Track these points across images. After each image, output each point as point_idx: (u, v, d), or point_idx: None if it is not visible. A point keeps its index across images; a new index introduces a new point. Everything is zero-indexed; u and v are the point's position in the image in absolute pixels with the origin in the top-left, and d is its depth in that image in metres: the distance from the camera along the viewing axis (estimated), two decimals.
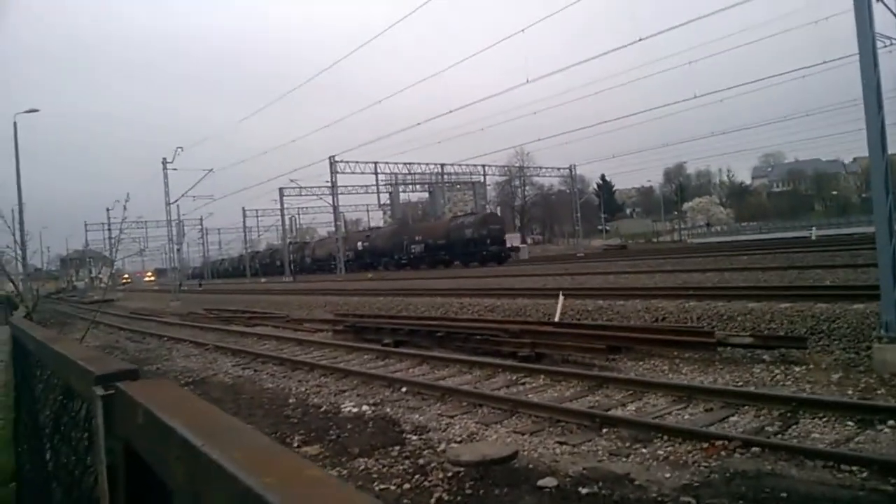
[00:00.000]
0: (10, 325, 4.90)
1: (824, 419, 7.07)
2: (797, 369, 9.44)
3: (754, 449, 6.26)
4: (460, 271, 40.96)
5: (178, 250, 58.41)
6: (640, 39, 28.12)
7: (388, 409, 9.23)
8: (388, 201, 66.22)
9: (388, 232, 58.75)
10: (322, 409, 9.64)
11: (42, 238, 39.90)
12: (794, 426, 7.00)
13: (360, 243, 60.61)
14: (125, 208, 7.29)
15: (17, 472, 4.23)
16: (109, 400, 1.02)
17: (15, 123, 30.96)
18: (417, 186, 66.50)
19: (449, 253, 50.14)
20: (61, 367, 1.64)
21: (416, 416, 8.77)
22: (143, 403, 0.81)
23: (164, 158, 42.32)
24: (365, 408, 9.41)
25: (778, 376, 9.26)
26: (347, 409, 9.48)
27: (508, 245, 53.19)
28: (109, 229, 69.69)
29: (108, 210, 62.38)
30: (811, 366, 9.59)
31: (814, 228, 57.92)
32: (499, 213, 74.43)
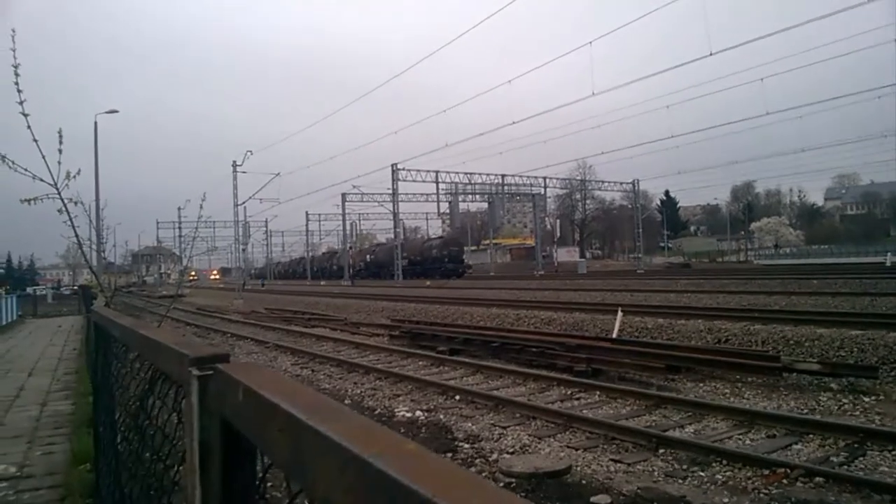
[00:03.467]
0: (91, 313, 5.17)
1: (894, 452, 6.77)
2: (866, 399, 9.05)
3: (818, 479, 6.04)
4: (518, 283, 40.75)
5: (244, 250, 60.10)
6: (711, 54, 27.45)
7: (442, 416, 9.29)
8: (448, 210, 66.42)
9: (386, 248, 65.96)
10: (376, 412, 9.77)
11: (116, 233, 41.88)
12: (861, 458, 6.72)
13: (368, 256, 69.31)
14: (201, 206, 7.56)
15: (96, 453, 4.46)
16: (205, 380, 1.09)
17: (95, 123, 32.46)
18: (477, 196, 66.44)
19: (421, 268, 57.93)
20: (150, 352, 1.75)
21: (469, 424, 8.80)
22: (242, 381, 0.88)
23: (234, 161, 43.68)
24: (418, 413, 9.49)
25: (846, 405, 8.89)
26: (401, 413, 9.58)
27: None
28: (180, 227, 72.42)
29: (179, 209, 64.88)
30: (881, 396, 9.19)
31: (889, 254, 55.27)
32: (558, 228, 73.99)
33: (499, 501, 0.45)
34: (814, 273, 34.20)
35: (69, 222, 6.00)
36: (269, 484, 1.01)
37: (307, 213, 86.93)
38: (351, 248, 70.16)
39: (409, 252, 60.55)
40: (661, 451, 7.21)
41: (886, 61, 32.38)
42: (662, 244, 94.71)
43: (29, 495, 5.59)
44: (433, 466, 0.53)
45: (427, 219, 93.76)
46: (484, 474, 6.70)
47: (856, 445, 7.03)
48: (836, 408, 8.85)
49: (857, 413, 8.57)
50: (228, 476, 0.96)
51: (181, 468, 1.34)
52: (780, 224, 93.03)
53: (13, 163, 5.57)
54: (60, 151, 5.65)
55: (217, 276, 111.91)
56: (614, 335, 14.12)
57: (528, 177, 64.12)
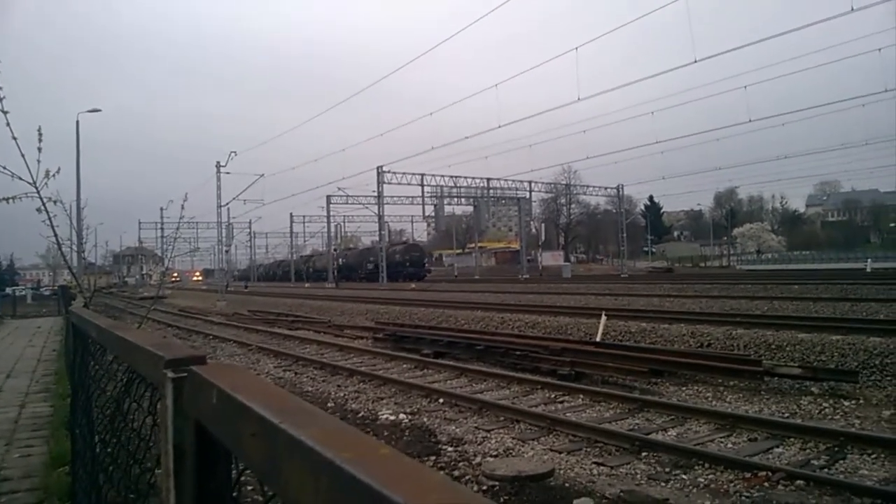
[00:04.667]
0: (69, 313, 5.10)
1: (873, 456, 6.84)
2: (847, 403, 9.15)
3: (799, 482, 6.09)
4: (503, 286, 40.79)
5: (227, 252, 59.73)
6: (696, 61, 27.68)
7: (425, 419, 9.26)
8: (433, 213, 66.41)
9: (356, 252, 73.35)
10: (360, 415, 9.72)
11: (97, 234, 41.36)
12: (842, 461, 6.78)
13: (340, 259, 72.52)
14: (183, 207, 7.50)
15: (72, 456, 4.40)
16: (180, 382, 1.07)
17: (77, 122, 32.13)
18: (462, 200, 66.52)
19: (389, 270, 60.10)
20: (126, 353, 1.72)
21: (453, 427, 8.78)
22: (216, 384, 0.86)
23: (218, 162, 43.34)
24: (402, 416, 9.46)
25: (826, 409, 8.98)
26: (385, 416, 9.54)
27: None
28: (162, 228, 71.75)
29: (161, 209, 64.31)
30: (861, 401, 9.29)
31: (869, 260, 56.02)
32: (543, 232, 74.37)
33: None
34: (795, 278, 34.58)
35: (48, 221, 5.93)
36: (247, 488, 0.99)
37: (291, 215, 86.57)
38: (332, 250, 70.17)
39: (376, 257, 64.11)
40: (644, 454, 7.24)
41: (869, 70, 32.88)
42: (646, 249, 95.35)
43: (6, 498, 5.50)
44: (406, 471, 0.52)
45: (412, 221, 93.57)
46: (467, 477, 6.69)
47: (836, 449, 7.10)
48: (817, 412, 8.93)
49: (838, 417, 8.66)
50: (202, 480, 0.94)
51: (157, 471, 1.32)
52: (763, 230, 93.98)
53: None
54: (40, 150, 5.58)
55: (200, 278, 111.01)
56: (598, 339, 14.16)
57: (513, 181, 64.38)
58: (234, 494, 0.92)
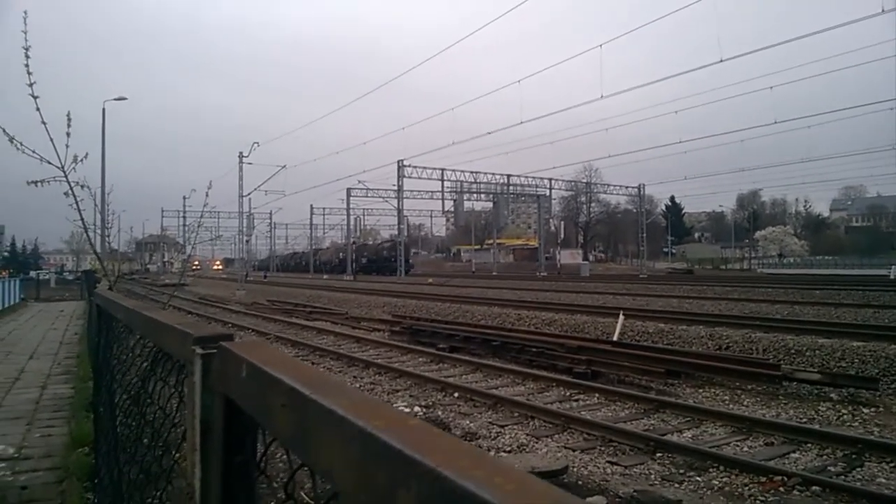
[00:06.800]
0: (94, 296, 5.19)
1: (892, 464, 6.77)
2: (866, 411, 9.04)
3: (814, 488, 6.04)
4: (520, 283, 40.72)
5: (247, 242, 60.20)
6: (722, 60, 27.37)
7: (440, 413, 9.29)
8: (453, 208, 66.38)
9: (356, 248, 74.77)
10: None
11: (121, 221, 41.92)
12: (859, 468, 6.71)
13: (340, 253, 77.30)
14: (207, 194, 7.57)
15: (96, 435, 4.48)
16: (208, 359, 1.10)
17: (104, 109, 32.51)
18: (482, 195, 66.37)
19: (375, 265, 66.89)
20: (153, 332, 1.75)
21: (467, 421, 8.81)
22: (247, 358, 0.88)
23: (241, 152, 43.69)
24: (417, 409, 9.51)
25: (845, 416, 8.88)
26: (400, 408, 9.59)
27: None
28: (185, 216, 72.47)
29: (184, 198, 64.96)
30: (881, 408, 9.18)
31: (893, 267, 55.06)
32: (562, 230, 74.52)
33: (498, 471, 0.46)
34: (817, 284, 34.12)
35: (75, 205, 6.02)
36: (274, 458, 1.01)
37: (312, 207, 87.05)
38: (352, 244, 70.68)
39: (369, 252, 71.33)
40: (659, 454, 7.21)
41: None
42: (666, 249, 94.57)
43: (27, 476, 5.61)
44: (436, 439, 0.54)
45: (431, 216, 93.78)
46: None
47: (854, 456, 7.02)
48: (836, 418, 8.83)
49: (856, 424, 8.56)
50: (229, 453, 0.97)
51: (181, 448, 1.35)
52: (785, 233, 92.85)
53: (21, 144, 5.58)
54: (69, 135, 5.66)
55: (220, 267, 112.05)
56: (615, 338, 14.11)
57: (533, 177, 64.02)
58: (262, 466, 0.95)
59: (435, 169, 56.83)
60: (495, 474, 0.45)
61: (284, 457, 1.12)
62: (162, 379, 1.60)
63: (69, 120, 5.67)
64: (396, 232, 62.75)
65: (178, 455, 1.44)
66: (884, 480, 6.38)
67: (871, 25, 23.87)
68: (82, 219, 6.34)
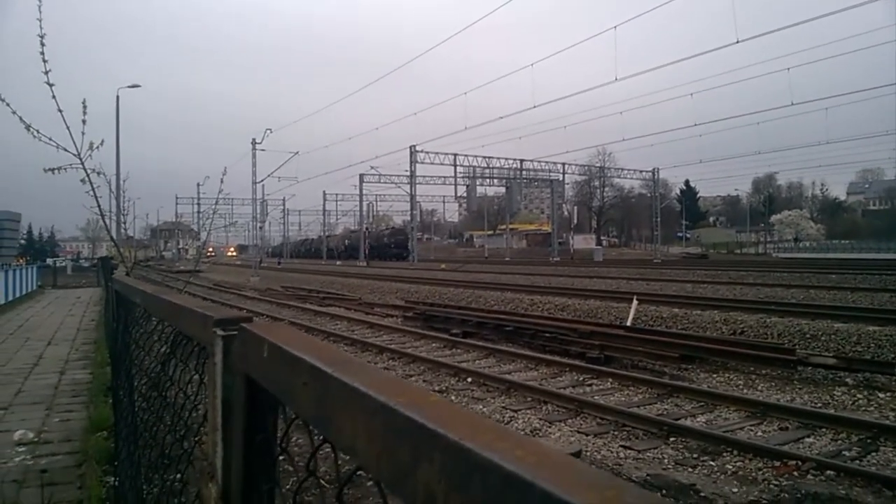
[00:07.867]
0: (112, 281, 5.25)
1: None
2: (882, 395, 8.98)
3: (829, 472, 6.03)
4: (533, 269, 40.69)
5: (261, 228, 60.55)
6: (738, 41, 27.02)
7: (453, 398, 9.35)
8: (465, 193, 66.34)
9: (358, 235, 76.91)
10: None
11: (135, 208, 42.29)
12: (874, 453, 6.69)
13: (346, 240, 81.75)
14: (222, 181, 7.62)
15: (115, 419, 4.55)
16: (229, 340, 1.12)
17: (118, 96, 32.66)
18: (495, 181, 66.25)
19: (377, 251, 69.41)
20: (173, 316, 1.78)
21: (481, 406, 8.85)
22: (267, 339, 0.89)
23: (254, 139, 43.80)
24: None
25: (860, 401, 8.83)
26: None
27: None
28: (199, 203, 73.01)
29: (198, 185, 65.40)
30: None
31: None
32: (575, 215, 73.98)
33: (520, 444, 0.47)
34: (833, 268, 33.80)
35: (92, 192, 6.08)
36: (293, 438, 1.03)
37: (324, 193, 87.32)
38: (365, 230, 70.97)
39: (371, 239, 73.13)
40: (672, 439, 7.22)
41: None
42: (680, 234, 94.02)
43: (47, 460, 5.72)
44: (459, 414, 0.55)
45: (444, 202, 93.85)
46: None
47: (869, 441, 7.00)
48: (851, 402, 8.79)
49: (872, 409, 8.51)
50: (250, 432, 0.99)
51: (202, 429, 1.37)
52: (801, 217, 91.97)
53: (38, 132, 5.63)
54: (84, 122, 5.71)
55: (234, 253, 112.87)
56: (628, 323, 14.09)
57: (546, 162, 63.92)
58: (283, 445, 0.96)
59: (447, 154, 56.83)
60: (516, 447, 0.46)
61: (300, 440, 1.14)
62: (182, 361, 1.62)
63: (84, 107, 5.72)
64: (409, 218, 62.85)
65: (198, 437, 1.46)
66: None
67: (890, 4, 23.45)
68: (99, 205, 6.41)
